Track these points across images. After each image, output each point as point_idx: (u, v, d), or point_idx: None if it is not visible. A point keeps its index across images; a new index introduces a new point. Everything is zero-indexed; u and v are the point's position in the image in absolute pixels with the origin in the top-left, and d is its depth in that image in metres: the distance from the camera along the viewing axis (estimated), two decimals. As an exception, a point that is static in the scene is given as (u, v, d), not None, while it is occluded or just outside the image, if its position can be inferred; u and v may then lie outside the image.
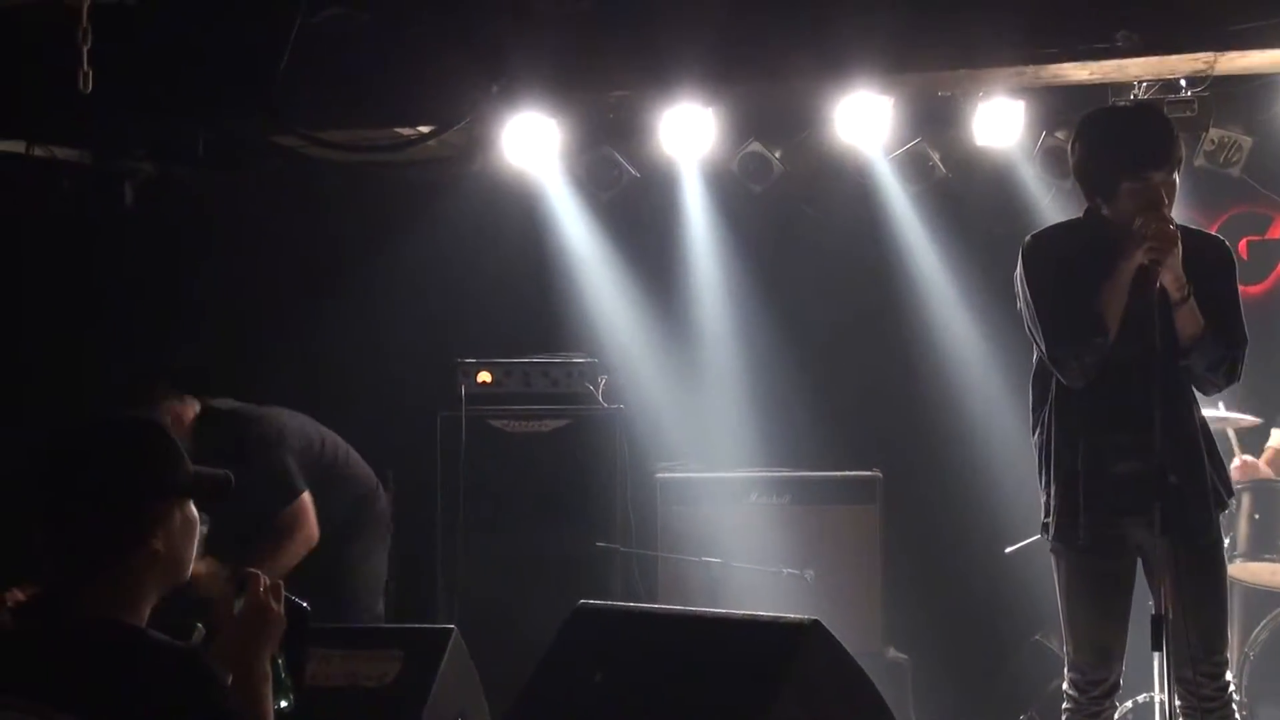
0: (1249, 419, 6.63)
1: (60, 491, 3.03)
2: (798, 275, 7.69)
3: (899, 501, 7.06)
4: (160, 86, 6.17)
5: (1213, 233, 4.90)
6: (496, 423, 6.99)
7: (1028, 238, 4.80)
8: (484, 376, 7.08)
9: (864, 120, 6.70)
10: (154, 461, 3.08)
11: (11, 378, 6.99)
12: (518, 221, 7.59)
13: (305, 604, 3.30)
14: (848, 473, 6.99)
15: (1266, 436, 6.82)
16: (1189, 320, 4.49)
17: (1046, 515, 4.74)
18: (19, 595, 3.13)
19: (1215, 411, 5.93)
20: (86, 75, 5.23)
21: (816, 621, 3.83)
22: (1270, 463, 6.72)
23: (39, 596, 3.06)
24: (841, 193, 7.49)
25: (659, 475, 7.07)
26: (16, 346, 7.03)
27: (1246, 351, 4.64)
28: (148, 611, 3.07)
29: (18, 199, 6.78)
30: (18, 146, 6.49)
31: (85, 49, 5.23)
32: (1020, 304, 4.75)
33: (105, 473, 3.03)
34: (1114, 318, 4.51)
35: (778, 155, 7.21)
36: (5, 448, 5.45)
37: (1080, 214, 4.80)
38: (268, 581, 3.20)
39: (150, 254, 7.31)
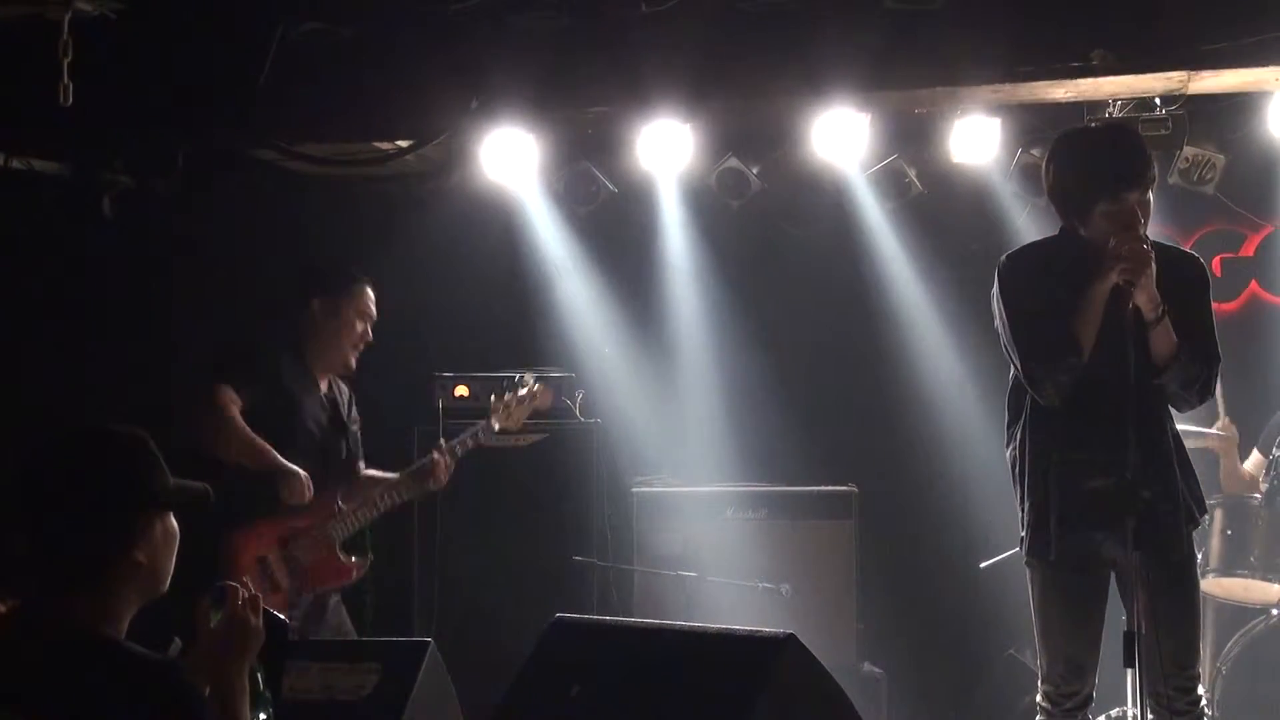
0: (1218, 433, 6.66)
1: (43, 503, 3.04)
2: (775, 290, 7.71)
3: (874, 516, 7.08)
4: (140, 99, 6.16)
5: (1188, 250, 4.94)
6: (474, 437, 7.00)
7: (1003, 257, 4.81)
8: (461, 390, 7.09)
9: (841, 137, 6.71)
10: (138, 473, 3.09)
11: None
12: (496, 236, 7.61)
13: (284, 618, 3.32)
14: (823, 488, 7.02)
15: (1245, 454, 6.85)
16: (1163, 340, 4.51)
17: (1023, 530, 4.78)
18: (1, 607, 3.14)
19: (1187, 426, 5.97)
20: (67, 88, 5.23)
21: (792, 635, 3.85)
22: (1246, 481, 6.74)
23: (19, 608, 3.07)
24: (818, 208, 7.52)
25: (635, 490, 7.09)
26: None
27: (1220, 369, 4.67)
28: (126, 623, 3.08)
29: (-5, 211, 6.77)
30: (-4, 159, 6.49)
31: (66, 61, 5.23)
32: (997, 322, 4.77)
33: (90, 485, 3.04)
34: (1088, 338, 4.54)
35: (755, 171, 7.24)
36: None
37: (1055, 232, 4.83)
38: (246, 595, 3.21)
39: (127, 267, 7.30)
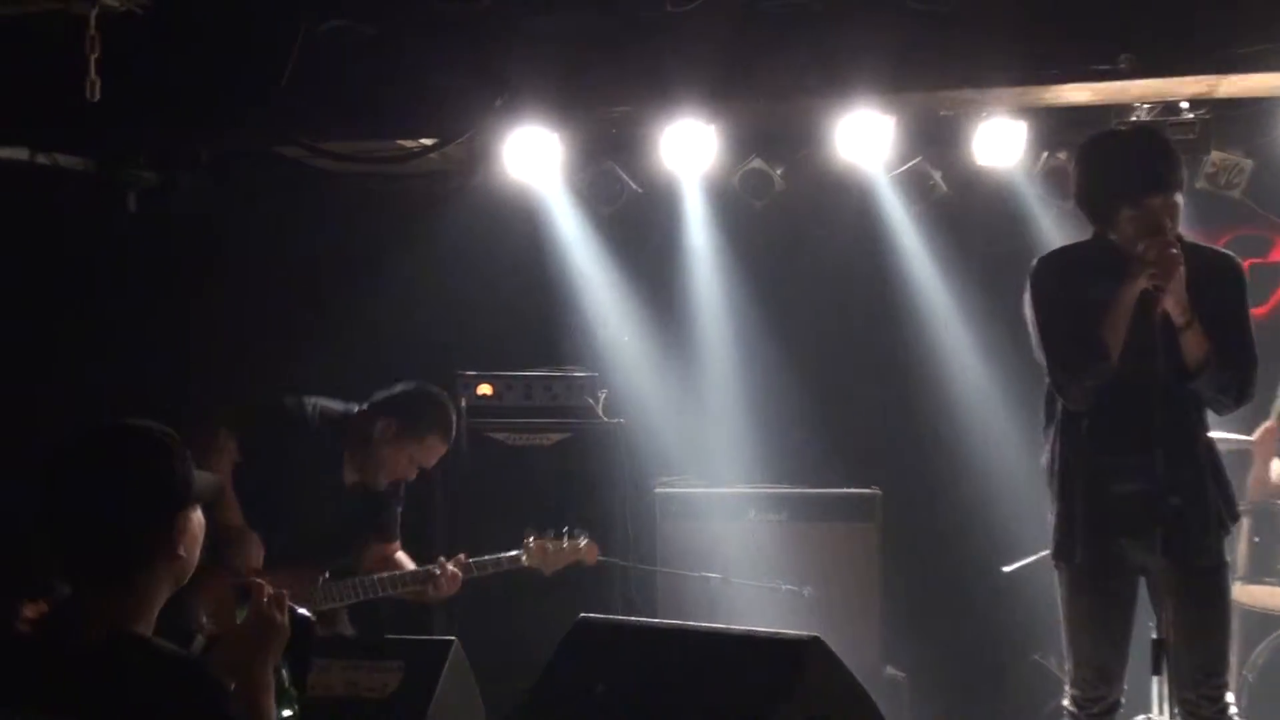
0: (1241, 438, 6.63)
1: (81, 503, 3.02)
2: (798, 291, 7.69)
3: (898, 519, 7.06)
4: (164, 95, 6.16)
5: (1223, 249, 4.87)
6: (497, 435, 6.99)
7: (1035, 261, 4.79)
8: (484, 389, 7.08)
9: (865, 138, 6.69)
10: (177, 470, 3.09)
11: (12, 386, 6.97)
12: (519, 235, 7.60)
13: (309, 614, 3.32)
14: (847, 490, 7.00)
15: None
16: (1193, 344, 4.48)
17: (1052, 533, 4.75)
18: (43, 606, 3.13)
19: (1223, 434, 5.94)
20: (94, 84, 5.22)
21: (817, 637, 3.83)
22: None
23: (60, 607, 3.06)
24: (842, 210, 7.50)
25: (658, 490, 7.08)
26: (18, 354, 7.01)
27: (1257, 371, 4.63)
28: (155, 617, 3.08)
29: (21, 207, 6.77)
30: (21, 154, 6.49)
31: (93, 57, 5.22)
32: (1029, 327, 4.75)
33: (132, 483, 3.04)
34: (1116, 343, 4.51)
35: (779, 172, 7.22)
36: (5, 460, 5.45)
37: (1088, 235, 4.80)
38: (271, 591, 3.21)
39: (151, 263, 7.31)
